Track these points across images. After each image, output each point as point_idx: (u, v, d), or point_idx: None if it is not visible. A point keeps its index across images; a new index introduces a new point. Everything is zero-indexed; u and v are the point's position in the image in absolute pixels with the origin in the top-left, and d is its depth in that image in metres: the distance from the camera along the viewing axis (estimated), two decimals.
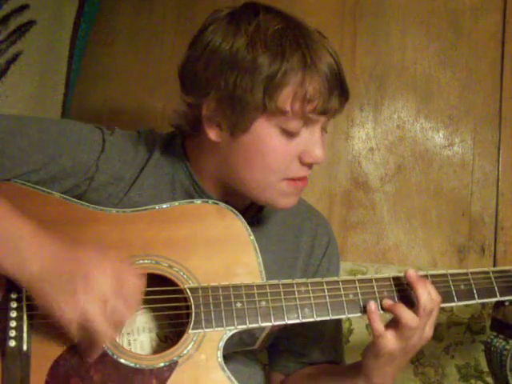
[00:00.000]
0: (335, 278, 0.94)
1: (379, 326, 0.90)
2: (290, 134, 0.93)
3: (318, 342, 1.13)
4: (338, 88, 0.93)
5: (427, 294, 0.90)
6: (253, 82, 0.89)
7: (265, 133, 0.92)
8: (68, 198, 0.93)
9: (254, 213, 1.08)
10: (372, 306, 0.91)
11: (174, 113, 1.03)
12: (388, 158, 1.68)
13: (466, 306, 1.47)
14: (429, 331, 0.92)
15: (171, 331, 0.94)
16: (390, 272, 1.51)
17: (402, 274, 0.96)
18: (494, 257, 1.61)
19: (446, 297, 0.96)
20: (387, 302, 0.92)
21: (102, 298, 0.78)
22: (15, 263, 0.79)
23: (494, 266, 1.61)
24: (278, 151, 0.93)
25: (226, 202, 0.99)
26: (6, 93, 1.45)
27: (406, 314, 0.89)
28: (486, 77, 1.66)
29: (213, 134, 0.95)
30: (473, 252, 1.63)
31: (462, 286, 0.98)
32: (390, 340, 0.89)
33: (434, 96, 1.67)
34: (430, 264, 1.63)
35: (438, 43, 1.68)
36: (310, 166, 0.97)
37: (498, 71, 1.65)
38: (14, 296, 0.84)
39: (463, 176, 1.65)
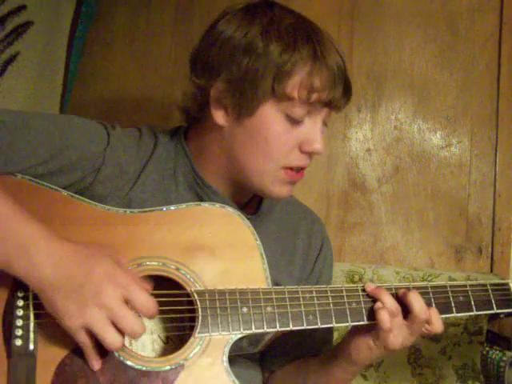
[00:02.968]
0: (339, 286, 0.96)
1: (388, 321, 0.92)
2: (293, 121, 0.95)
3: (308, 342, 1.13)
4: (342, 84, 0.97)
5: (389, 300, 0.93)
6: (264, 67, 0.92)
7: (270, 118, 0.95)
8: (76, 196, 0.92)
9: (253, 211, 1.09)
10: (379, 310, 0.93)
11: (182, 94, 1.04)
12: (385, 159, 1.68)
13: None
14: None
15: (173, 333, 0.94)
16: (387, 273, 1.53)
17: (401, 284, 0.98)
18: (491, 258, 1.61)
19: (445, 308, 0.98)
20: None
21: (112, 307, 0.78)
22: (25, 267, 0.77)
23: (491, 266, 1.61)
24: (281, 137, 0.96)
25: (229, 195, 1.01)
26: (3, 93, 1.44)
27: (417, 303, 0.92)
28: (483, 78, 1.66)
29: (218, 117, 0.98)
30: (470, 253, 1.63)
31: (461, 298, 1.00)
32: (395, 336, 0.92)
33: (431, 97, 1.67)
34: (427, 265, 1.63)
35: (435, 44, 1.68)
36: (309, 155, 0.99)
37: (495, 72, 1.65)
38: (20, 294, 0.82)
39: (460, 177, 1.65)
